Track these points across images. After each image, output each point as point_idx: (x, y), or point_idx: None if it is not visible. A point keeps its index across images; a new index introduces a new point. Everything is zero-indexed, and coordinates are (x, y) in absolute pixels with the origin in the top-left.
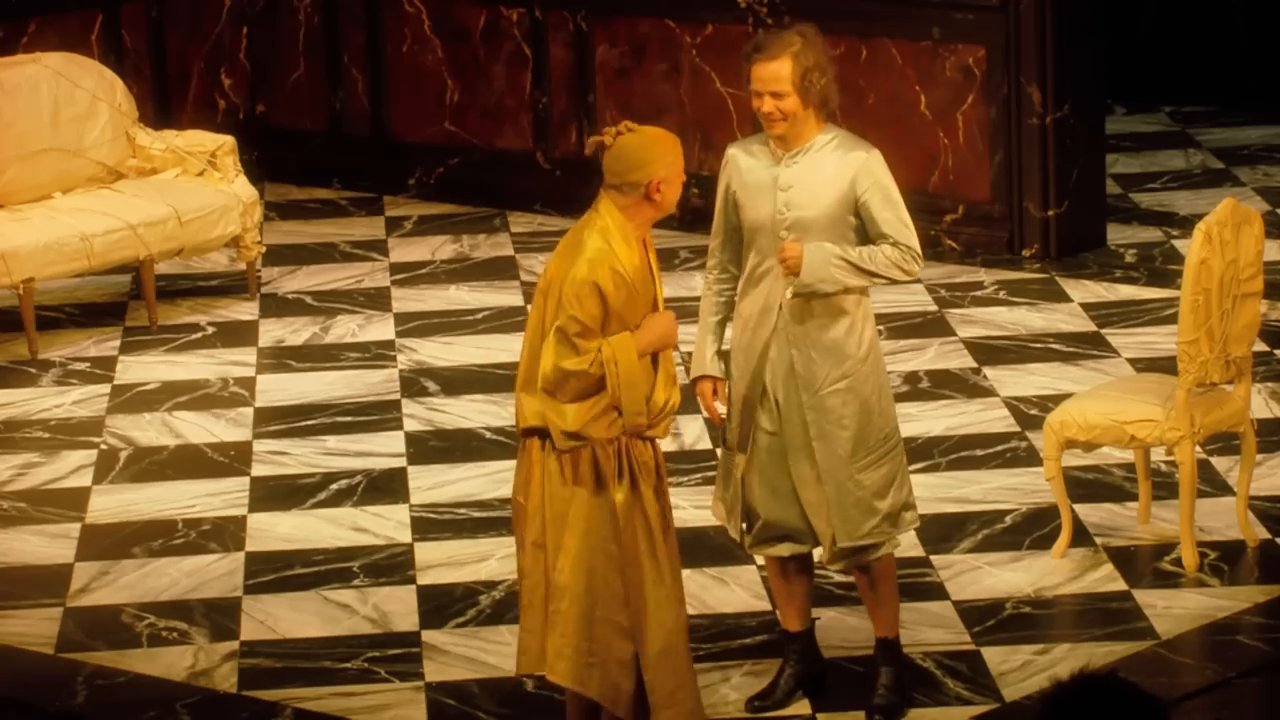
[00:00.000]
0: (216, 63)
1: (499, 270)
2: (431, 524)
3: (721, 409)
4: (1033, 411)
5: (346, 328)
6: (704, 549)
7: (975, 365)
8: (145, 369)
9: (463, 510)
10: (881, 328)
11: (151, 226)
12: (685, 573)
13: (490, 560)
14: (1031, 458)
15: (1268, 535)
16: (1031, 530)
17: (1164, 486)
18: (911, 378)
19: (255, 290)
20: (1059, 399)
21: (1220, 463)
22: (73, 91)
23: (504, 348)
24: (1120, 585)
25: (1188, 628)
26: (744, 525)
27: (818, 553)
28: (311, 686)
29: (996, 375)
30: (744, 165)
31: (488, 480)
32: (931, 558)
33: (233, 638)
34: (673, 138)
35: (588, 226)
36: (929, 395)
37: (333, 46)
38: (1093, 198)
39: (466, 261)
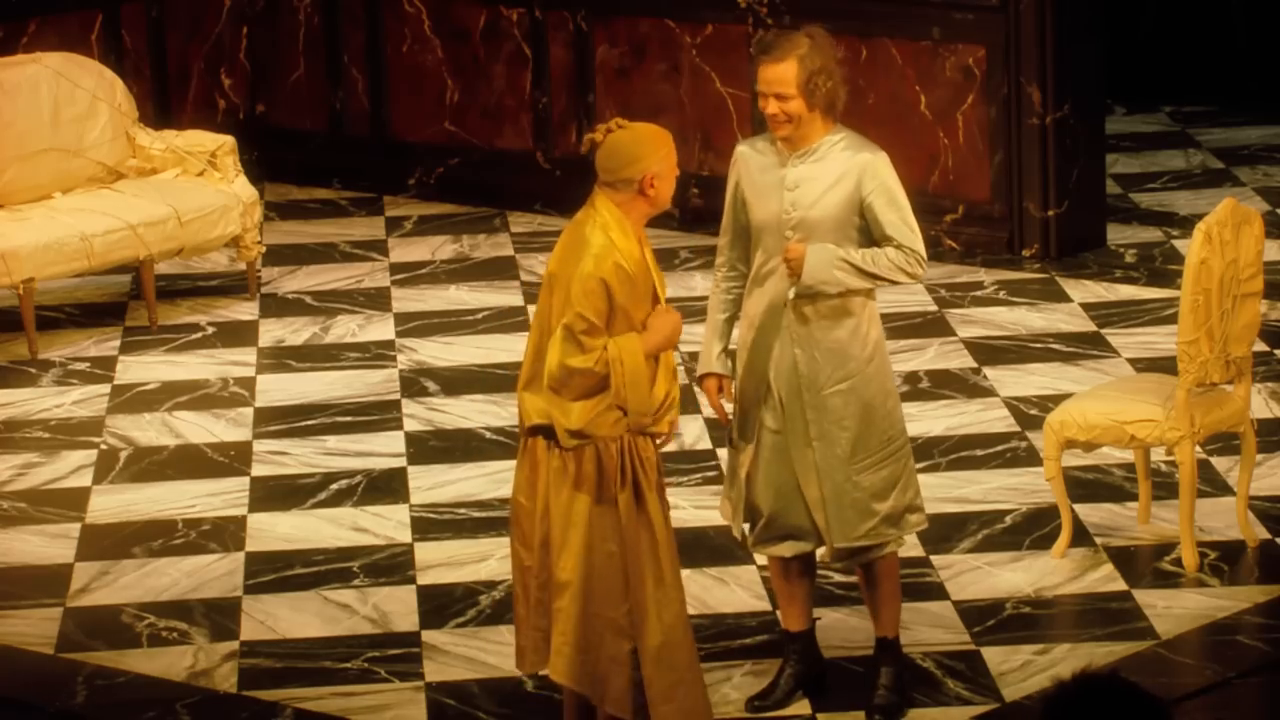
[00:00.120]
0: (216, 63)
1: (499, 270)
2: (431, 524)
3: (728, 407)
4: (1033, 411)
5: (346, 328)
6: (704, 549)
7: (975, 365)
8: (145, 369)
9: (463, 510)
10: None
11: (151, 226)
12: (685, 573)
13: (490, 560)
14: (1031, 458)
15: (1268, 535)
16: (1031, 530)
17: (1164, 486)
18: (911, 378)
19: (255, 290)
20: (1059, 399)
21: (1220, 463)
22: (73, 91)
23: (504, 348)
24: (1120, 585)
25: (1188, 628)
26: (747, 524)
27: (820, 551)
28: (311, 686)
29: (996, 375)
30: (752, 164)
31: (488, 480)
32: (931, 558)
33: (233, 638)
34: (664, 133)
35: (588, 223)
36: (929, 395)
37: (333, 46)
38: (1093, 198)
39: (466, 261)
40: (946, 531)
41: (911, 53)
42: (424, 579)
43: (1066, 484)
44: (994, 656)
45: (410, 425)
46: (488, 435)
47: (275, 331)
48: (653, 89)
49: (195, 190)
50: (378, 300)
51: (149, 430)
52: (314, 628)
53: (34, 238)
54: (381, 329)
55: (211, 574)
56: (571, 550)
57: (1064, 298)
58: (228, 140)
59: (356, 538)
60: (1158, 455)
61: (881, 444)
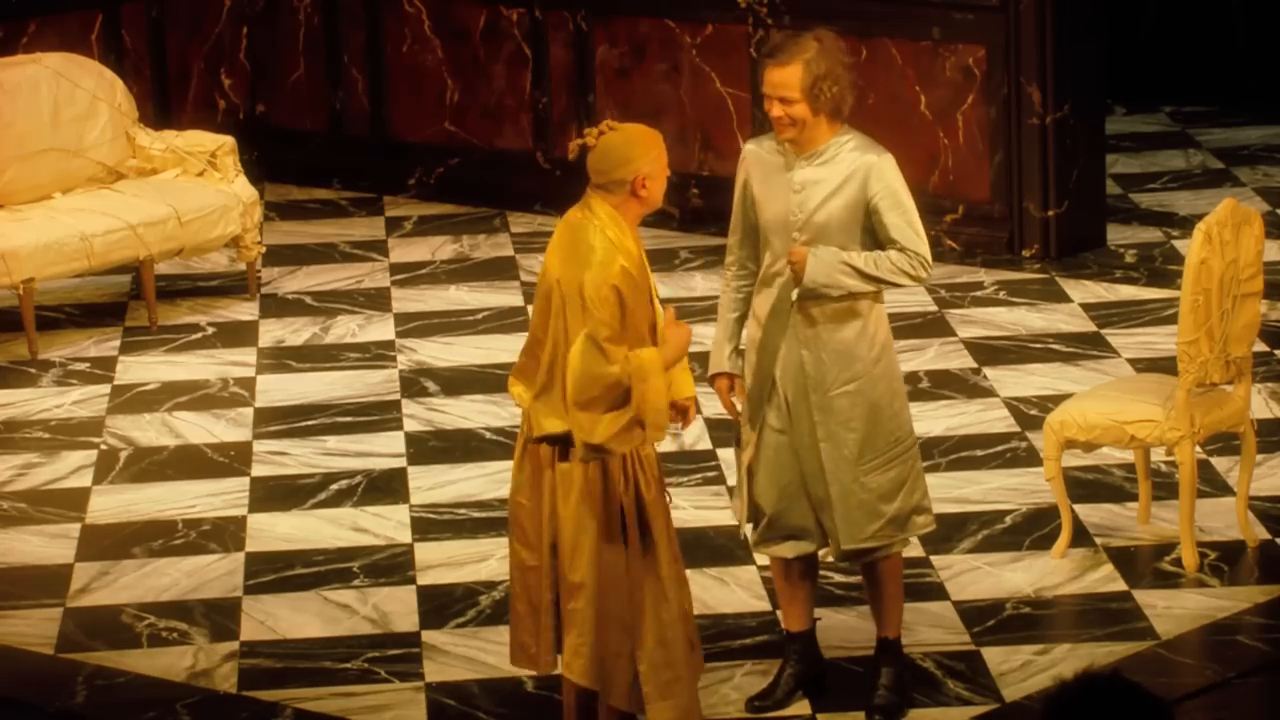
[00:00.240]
0: (216, 63)
1: (499, 270)
2: (431, 524)
3: (739, 405)
4: (1033, 412)
5: (346, 328)
6: (704, 549)
7: (975, 365)
8: (145, 369)
9: (463, 510)
10: None
11: (151, 226)
12: (685, 573)
13: (490, 560)
14: (1031, 458)
15: (1268, 535)
16: (1031, 530)
17: (1164, 486)
18: (912, 378)
19: (255, 290)
20: (1059, 399)
21: (1220, 463)
22: (73, 91)
23: (504, 348)
24: (1120, 585)
25: (1188, 628)
26: (750, 524)
27: (823, 551)
28: (311, 687)
29: (996, 375)
30: (760, 163)
31: (488, 480)
32: (931, 558)
33: (233, 638)
34: (654, 133)
35: (588, 226)
36: (929, 395)
37: (333, 46)
38: (1093, 198)
39: (466, 262)
40: (947, 532)
41: (911, 53)
42: (424, 579)
43: (1066, 484)
44: (994, 657)
45: (410, 425)
46: (488, 435)
47: (275, 332)
48: (653, 89)
49: (195, 190)
50: (378, 300)
51: (149, 430)
52: (314, 628)
53: (34, 238)
54: (381, 329)
55: (211, 574)
56: (584, 553)
57: (1064, 298)
58: (228, 140)
59: (356, 538)
60: (1158, 455)
61: (889, 445)
